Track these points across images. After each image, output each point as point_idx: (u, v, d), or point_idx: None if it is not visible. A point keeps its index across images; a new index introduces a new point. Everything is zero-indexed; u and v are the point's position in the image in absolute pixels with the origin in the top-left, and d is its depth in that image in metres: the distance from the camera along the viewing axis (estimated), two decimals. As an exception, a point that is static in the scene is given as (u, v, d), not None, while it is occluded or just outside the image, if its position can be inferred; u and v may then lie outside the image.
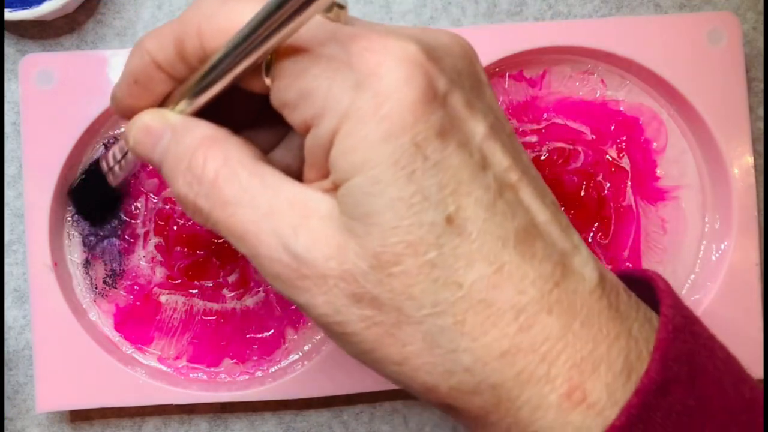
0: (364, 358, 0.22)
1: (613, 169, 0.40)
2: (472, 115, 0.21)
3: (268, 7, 0.20)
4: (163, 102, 0.26)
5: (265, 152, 0.26)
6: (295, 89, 0.22)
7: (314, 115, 0.21)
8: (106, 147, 0.39)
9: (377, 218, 0.20)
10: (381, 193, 0.20)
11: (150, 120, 0.25)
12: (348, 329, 0.21)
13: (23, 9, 0.38)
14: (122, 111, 0.26)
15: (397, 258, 0.20)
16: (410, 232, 0.20)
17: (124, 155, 0.32)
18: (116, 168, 0.33)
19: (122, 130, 0.39)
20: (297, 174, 0.26)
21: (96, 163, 0.36)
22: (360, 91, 0.20)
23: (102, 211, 0.39)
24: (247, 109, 0.27)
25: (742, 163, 0.39)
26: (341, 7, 0.21)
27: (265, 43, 0.21)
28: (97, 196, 0.38)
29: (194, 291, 0.39)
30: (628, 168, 0.40)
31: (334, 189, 0.21)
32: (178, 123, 0.24)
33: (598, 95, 0.40)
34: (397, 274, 0.20)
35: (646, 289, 0.24)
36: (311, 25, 0.21)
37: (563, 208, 0.40)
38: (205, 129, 0.24)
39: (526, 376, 0.21)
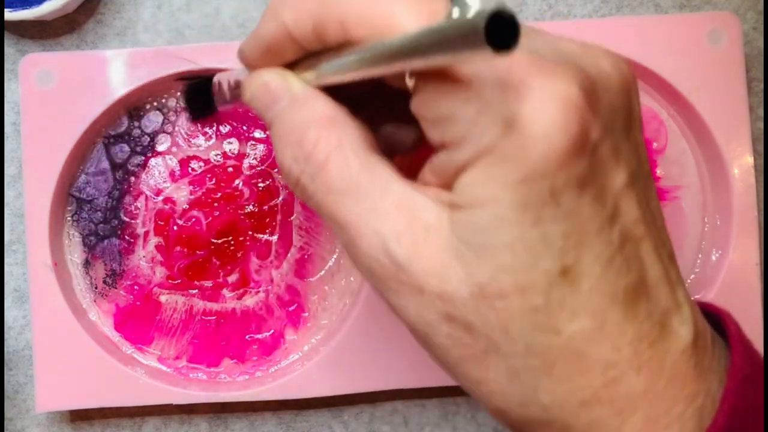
0: (444, 366, 0.22)
1: (613, 169, 0.40)
2: (616, 164, 0.20)
3: (434, 34, 0.18)
4: (292, 64, 0.24)
5: (376, 124, 0.25)
6: (438, 107, 0.20)
7: (454, 139, 0.20)
8: (106, 146, 0.39)
9: (492, 253, 0.20)
10: (503, 232, 0.19)
11: (271, 80, 0.24)
12: (434, 341, 0.21)
13: (23, 9, 0.38)
14: (250, 67, 0.26)
15: (502, 294, 0.20)
16: (523, 274, 0.20)
17: (235, 88, 0.31)
18: (227, 94, 0.32)
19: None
20: (404, 153, 0.25)
21: (209, 79, 0.34)
22: (509, 130, 0.19)
23: (199, 112, 0.39)
24: (368, 84, 0.26)
25: (742, 163, 0.39)
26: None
27: (420, 60, 0.19)
28: (200, 102, 0.37)
29: (194, 291, 0.39)
30: (628, 168, 0.40)
31: (450, 206, 0.21)
32: (300, 92, 0.24)
33: (598, 95, 0.40)
34: (498, 308, 0.20)
35: (715, 320, 0.24)
36: None
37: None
38: (325, 107, 0.23)
39: (598, 425, 0.20)
